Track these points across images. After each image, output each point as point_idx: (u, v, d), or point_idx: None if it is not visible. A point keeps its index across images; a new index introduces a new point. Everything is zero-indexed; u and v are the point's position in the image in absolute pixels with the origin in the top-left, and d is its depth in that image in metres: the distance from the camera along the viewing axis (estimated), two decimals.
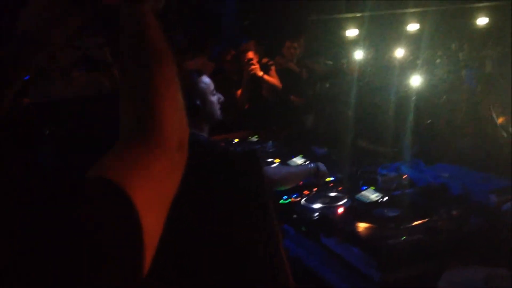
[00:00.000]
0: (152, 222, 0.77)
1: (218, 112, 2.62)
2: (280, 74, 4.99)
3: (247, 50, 4.72)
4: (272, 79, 4.82)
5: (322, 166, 3.03)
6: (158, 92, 0.93)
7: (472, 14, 8.18)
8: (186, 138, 0.94)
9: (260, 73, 4.69)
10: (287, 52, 5.33)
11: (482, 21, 8.07)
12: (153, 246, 0.77)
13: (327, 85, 5.71)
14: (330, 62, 6.81)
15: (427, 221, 2.24)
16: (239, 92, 4.77)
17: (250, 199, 1.51)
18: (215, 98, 2.62)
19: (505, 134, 3.90)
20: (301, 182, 2.97)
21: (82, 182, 0.75)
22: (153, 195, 0.80)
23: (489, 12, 8.05)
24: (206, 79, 2.61)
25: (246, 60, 4.66)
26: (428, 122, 3.62)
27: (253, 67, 4.65)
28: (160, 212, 0.82)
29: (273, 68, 4.85)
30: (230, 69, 4.89)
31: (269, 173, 2.87)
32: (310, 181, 2.98)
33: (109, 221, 0.71)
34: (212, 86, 2.61)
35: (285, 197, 2.87)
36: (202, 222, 1.40)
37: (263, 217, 1.48)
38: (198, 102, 2.49)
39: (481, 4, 8.01)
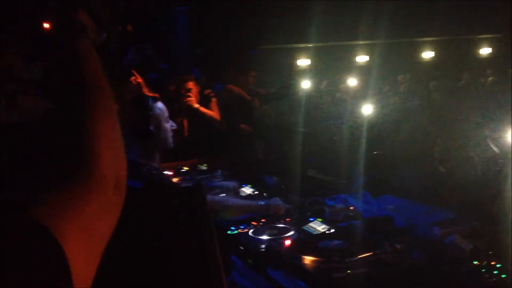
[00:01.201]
0: (83, 266, 0.74)
1: (171, 139, 2.60)
2: (231, 103, 4.98)
3: (186, 81, 4.65)
4: (208, 111, 4.73)
5: (275, 201, 3.00)
6: (92, 131, 0.89)
7: (419, 48, 8.47)
8: (124, 178, 0.91)
9: (196, 105, 4.60)
10: (250, 81, 5.36)
11: (428, 54, 8.36)
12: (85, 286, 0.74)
13: (277, 104, 5.74)
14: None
15: (372, 254, 2.25)
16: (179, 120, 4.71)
17: (191, 236, 1.48)
18: (168, 125, 2.60)
19: (441, 169, 3.97)
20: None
21: (7, 223, 0.70)
22: (85, 238, 0.77)
23: (434, 46, 8.36)
24: (161, 105, 2.58)
25: (183, 91, 4.58)
26: (374, 153, 3.67)
27: (188, 99, 4.55)
28: (93, 255, 0.78)
29: (213, 100, 4.78)
30: (173, 97, 4.84)
31: (216, 202, 2.82)
32: (263, 215, 2.95)
33: (34, 266, 0.66)
34: (166, 113, 2.59)
35: (233, 228, 2.84)
36: (140, 258, 1.36)
37: (204, 255, 1.45)
38: (152, 128, 2.46)
39: (427, 39, 8.30)
